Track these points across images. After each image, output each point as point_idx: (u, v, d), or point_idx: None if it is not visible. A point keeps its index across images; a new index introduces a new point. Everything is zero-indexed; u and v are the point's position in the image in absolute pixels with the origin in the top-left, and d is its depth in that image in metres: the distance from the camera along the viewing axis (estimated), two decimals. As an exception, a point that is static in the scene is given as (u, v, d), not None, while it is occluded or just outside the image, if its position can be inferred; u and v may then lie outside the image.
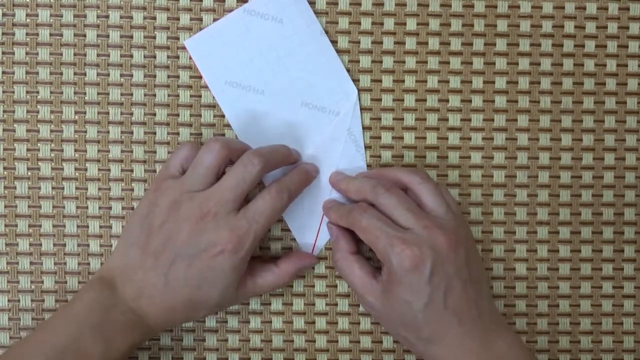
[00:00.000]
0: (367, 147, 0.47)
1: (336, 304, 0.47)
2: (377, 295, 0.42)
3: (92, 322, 0.40)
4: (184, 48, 0.46)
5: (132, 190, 0.46)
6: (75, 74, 0.46)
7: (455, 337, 0.41)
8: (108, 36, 0.46)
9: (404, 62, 0.47)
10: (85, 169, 0.46)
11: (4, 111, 0.46)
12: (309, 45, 0.46)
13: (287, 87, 0.46)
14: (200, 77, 0.46)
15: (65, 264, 0.46)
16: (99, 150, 0.46)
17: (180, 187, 0.42)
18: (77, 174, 0.46)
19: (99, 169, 0.46)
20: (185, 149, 0.43)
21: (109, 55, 0.46)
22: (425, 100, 0.47)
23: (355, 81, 0.47)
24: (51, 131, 0.46)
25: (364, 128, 0.47)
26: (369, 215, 0.42)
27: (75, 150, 0.46)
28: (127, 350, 0.41)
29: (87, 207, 0.46)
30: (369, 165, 0.47)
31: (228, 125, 0.47)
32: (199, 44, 0.46)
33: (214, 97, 0.46)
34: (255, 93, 0.46)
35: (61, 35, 0.46)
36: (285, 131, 0.46)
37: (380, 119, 0.47)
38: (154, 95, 0.46)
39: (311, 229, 0.47)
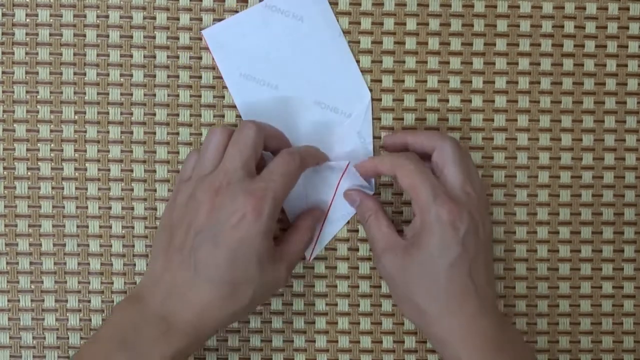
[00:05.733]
0: (367, 147, 0.47)
1: (336, 304, 0.47)
2: (399, 252, 0.42)
3: (120, 342, 0.38)
4: (184, 48, 0.46)
5: (132, 190, 0.46)
6: (75, 74, 0.46)
7: (470, 312, 0.40)
8: (108, 36, 0.46)
9: (404, 62, 0.47)
10: (85, 169, 0.46)
11: (4, 111, 0.46)
12: (327, 46, 0.46)
13: (301, 84, 0.46)
14: (200, 77, 0.46)
15: (65, 264, 0.46)
16: (99, 150, 0.46)
17: (193, 181, 0.41)
18: (77, 174, 0.46)
19: (99, 169, 0.46)
20: (192, 156, 0.43)
21: (108, 55, 0.46)
22: (425, 100, 0.47)
23: (355, 81, 0.47)
24: (51, 131, 0.46)
25: (364, 128, 0.47)
26: (418, 161, 0.42)
27: (75, 150, 0.46)
28: None
29: (87, 207, 0.46)
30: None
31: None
32: (217, 34, 0.46)
33: (214, 97, 0.47)
34: (269, 87, 0.46)
35: (61, 35, 0.46)
36: (295, 128, 0.46)
37: (380, 119, 0.47)
38: (154, 95, 0.46)
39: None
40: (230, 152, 0.40)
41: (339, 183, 0.46)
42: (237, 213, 0.39)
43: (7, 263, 0.46)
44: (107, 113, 0.46)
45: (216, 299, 0.39)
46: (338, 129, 0.46)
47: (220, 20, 0.46)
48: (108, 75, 0.46)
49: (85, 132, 0.46)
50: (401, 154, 0.43)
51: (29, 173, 0.46)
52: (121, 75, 0.46)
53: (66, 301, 0.46)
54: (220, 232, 0.39)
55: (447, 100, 0.47)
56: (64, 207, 0.46)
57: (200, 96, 0.47)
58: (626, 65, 0.48)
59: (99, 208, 0.46)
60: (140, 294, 0.40)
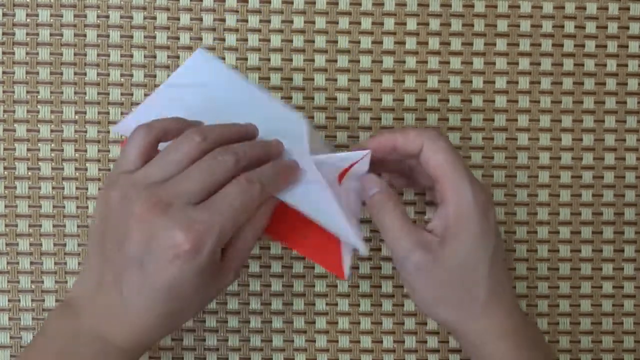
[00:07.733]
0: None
1: (336, 304, 0.47)
2: (432, 248, 0.37)
3: (57, 354, 0.35)
4: (184, 48, 0.46)
5: (132, 190, 0.46)
6: (75, 74, 0.46)
7: (505, 308, 0.38)
8: (108, 36, 0.46)
9: (404, 62, 0.47)
10: (86, 169, 0.46)
11: (4, 111, 0.46)
12: (243, 98, 0.42)
13: None
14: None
15: (65, 264, 0.46)
16: (99, 150, 0.46)
17: (134, 179, 0.35)
18: (77, 174, 0.46)
19: (99, 169, 0.46)
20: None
21: (109, 55, 0.46)
22: (425, 100, 0.47)
23: (355, 81, 0.47)
24: (51, 131, 0.46)
25: (364, 128, 0.47)
26: (447, 138, 0.38)
27: (76, 150, 0.46)
28: None
29: (87, 207, 0.46)
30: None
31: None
32: (129, 128, 0.38)
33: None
34: None
35: (61, 35, 0.46)
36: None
37: (380, 119, 0.47)
38: (154, 95, 0.47)
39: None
40: (195, 170, 0.34)
41: (343, 173, 0.40)
42: (172, 249, 0.33)
43: (8, 263, 0.46)
44: (108, 113, 0.46)
45: (152, 324, 0.35)
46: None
47: (220, 29, 0.46)
48: (108, 75, 0.46)
49: (86, 132, 0.46)
50: (426, 128, 0.38)
51: (29, 173, 0.46)
52: (121, 75, 0.46)
53: (66, 301, 0.46)
54: (152, 264, 0.33)
55: (447, 100, 0.47)
56: (64, 207, 0.46)
57: (200, 96, 0.47)
58: (626, 65, 0.48)
59: (99, 208, 0.46)
60: (75, 306, 0.36)
